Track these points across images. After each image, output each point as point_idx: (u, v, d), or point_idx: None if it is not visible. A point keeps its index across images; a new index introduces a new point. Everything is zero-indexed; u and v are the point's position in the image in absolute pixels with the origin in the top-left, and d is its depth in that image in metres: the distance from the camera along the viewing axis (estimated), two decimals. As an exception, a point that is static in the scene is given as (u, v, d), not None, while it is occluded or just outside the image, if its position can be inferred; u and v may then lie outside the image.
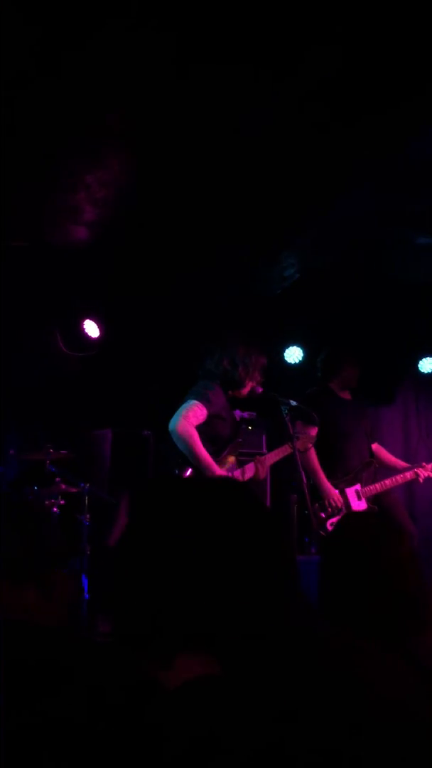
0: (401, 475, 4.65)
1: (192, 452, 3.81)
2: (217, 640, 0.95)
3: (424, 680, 1.07)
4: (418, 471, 4.66)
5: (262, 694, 0.90)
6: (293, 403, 3.81)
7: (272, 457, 4.23)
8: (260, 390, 4.11)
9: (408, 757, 0.89)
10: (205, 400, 3.90)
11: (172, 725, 0.86)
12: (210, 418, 3.93)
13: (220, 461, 3.99)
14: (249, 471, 4.16)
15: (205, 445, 3.87)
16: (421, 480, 4.68)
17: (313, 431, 4.32)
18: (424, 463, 4.73)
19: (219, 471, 3.91)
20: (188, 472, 3.90)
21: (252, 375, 4.13)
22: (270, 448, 5.42)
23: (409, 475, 4.67)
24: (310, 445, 4.30)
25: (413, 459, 5.27)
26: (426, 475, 4.67)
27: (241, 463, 4.21)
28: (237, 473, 4.13)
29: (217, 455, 3.98)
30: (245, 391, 4.14)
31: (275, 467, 5.14)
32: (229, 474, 4.04)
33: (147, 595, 0.97)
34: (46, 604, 1.35)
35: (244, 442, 4.38)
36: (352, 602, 1.52)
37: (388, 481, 4.62)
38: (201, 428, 3.90)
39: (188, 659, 0.94)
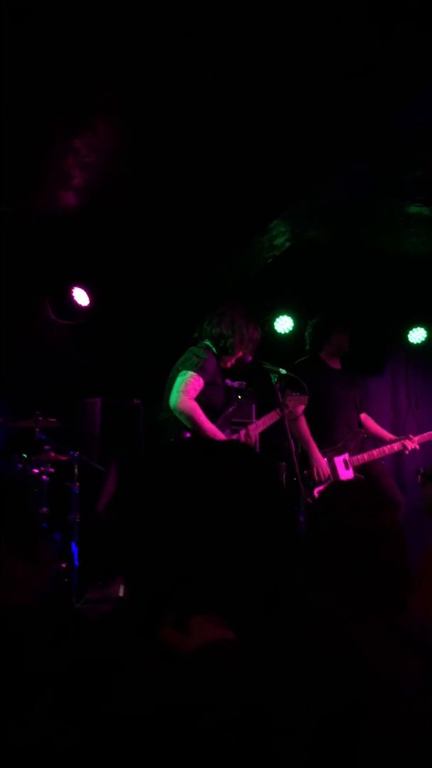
0: (388, 446, 4.69)
1: (197, 425, 3.81)
2: (229, 603, 0.95)
3: (408, 646, 1.08)
4: (405, 443, 4.69)
5: (274, 658, 0.91)
6: (282, 371, 3.81)
7: (260, 426, 4.24)
8: (250, 358, 4.11)
9: (399, 721, 0.91)
10: (199, 369, 3.89)
11: (200, 687, 0.86)
12: (205, 386, 3.92)
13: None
14: (260, 424, 4.21)
15: None
16: (407, 452, 4.72)
17: (303, 400, 4.33)
18: (411, 435, 4.76)
19: (223, 437, 3.92)
20: None
21: (245, 345, 4.13)
22: (259, 416, 5.45)
23: (396, 446, 4.70)
24: (300, 413, 4.31)
25: (402, 430, 5.30)
26: (412, 446, 4.71)
27: (233, 432, 4.23)
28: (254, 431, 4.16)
29: (212, 423, 3.98)
30: (233, 360, 4.14)
31: (264, 435, 5.16)
32: None
33: (160, 557, 0.97)
34: (32, 573, 1.35)
35: (237, 410, 4.39)
36: (336, 570, 1.53)
37: (375, 452, 4.65)
38: (197, 398, 3.90)
39: (202, 623, 0.94)
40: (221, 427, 4.04)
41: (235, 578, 0.95)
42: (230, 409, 4.17)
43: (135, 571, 1.00)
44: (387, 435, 4.87)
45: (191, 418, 3.80)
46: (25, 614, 1.14)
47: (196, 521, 0.97)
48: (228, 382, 5.57)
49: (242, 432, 4.24)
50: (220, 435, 3.88)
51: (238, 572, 0.96)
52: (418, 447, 4.73)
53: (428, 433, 4.85)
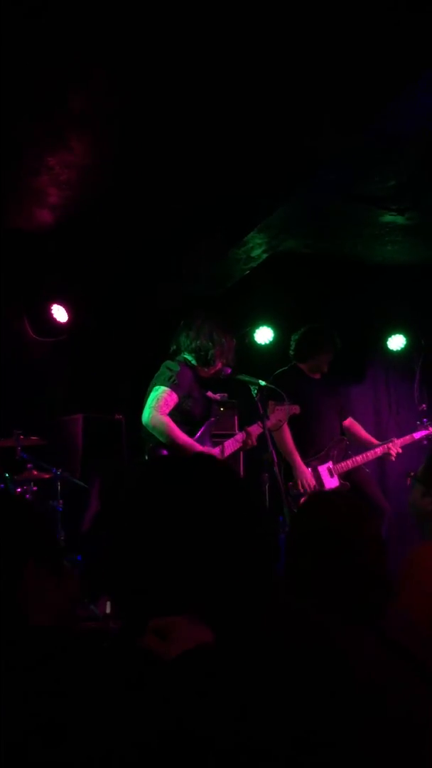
0: (372, 451, 4.70)
1: (171, 440, 3.78)
2: (208, 607, 0.98)
3: (389, 652, 1.09)
4: (389, 446, 4.71)
5: (253, 664, 0.92)
6: (262, 383, 3.81)
7: (255, 430, 4.20)
8: (228, 371, 4.11)
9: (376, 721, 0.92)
10: (172, 384, 3.87)
11: (177, 693, 0.88)
12: (181, 399, 3.91)
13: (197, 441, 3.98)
14: (228, 447, 4.17)
15: (180, 428, 3.85)
16: (393, 456, 4.73)
17: (284, 410, 4.34)
18: (393, 439, 4.78)
19: (202, 450, 3.90)
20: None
21: (225, 355, 4.12)
22: (241, 428, 5.45)
23: (379, 450, 4.72)
24: (283, 424, 4.32)
25: (384, 435, 5.32)
26: (396, 450, 4.73)
27: (215, 444, 4.21)
28: (216, 451, 4.13)
29: (192, 435, 3.96)
30: (213, 370, 4.13)
31: (248, 452, 5.16)
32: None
33: (143, 566, 1.02)
34: (59, 593, 1.35)
35: (218, 421, 4.38)
36: (316, 577, 1.54)
37: (359, 458, 4.66)
38: (173, 412, 3.87)
39: (182, 627, 0.96)
40: (202, 440, 4.03)
41: (211, 582, 0.98)
42: (211, 420, 4.16)
43: (125, 584, 1.03)
44: (371, 440, 4.88)
45: (164, 433, 3.78)
46: (49, 636, 1.15)
47: (175, 532, 1.01)
48: (209, 394, 5.58)
49: (242, 433, 4.23)
50: (197, 447, 3.87)
51: (214, 576, 0.99)
52: (401, 450, 4.75)
53: (408, 436, 4.88)
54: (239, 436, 4.20)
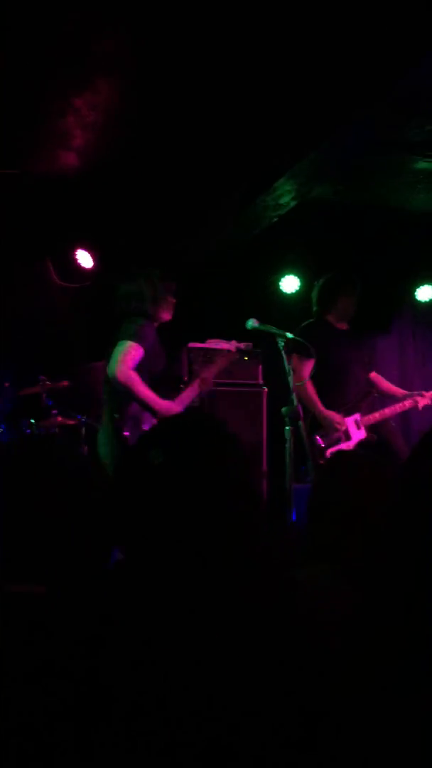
0: (400, 404, 4.65)
1: (137, 395, 3.73)
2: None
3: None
4: (417, 399, 4.66)
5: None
6: (289, 335, 3.76)
7: (185, 400, 4.16)
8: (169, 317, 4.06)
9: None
10: (138, 339, 3.77)
11: None
12: (146, 354, 3.84)
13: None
14: (186, 398, 4.10)
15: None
16: (420, 407, 4.68)
17: (310, 364, 4.29)
18: (423, 392, 4.73)
19: (167, 405, 3.85)
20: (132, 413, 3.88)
21: (167, 286, 4.02)
22: (266, 379, 5.43)
23: (408, 403, 4.67)
24: (307, 378, 4.29)
25: (409, 388, 5.26)
26: (425, 402, 4.68)
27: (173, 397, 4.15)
28: (185, 397, 4.09)
29: (156, 389, 3.93)
30: (170, 308, 4.04)
31: (273, 401, 5.15)
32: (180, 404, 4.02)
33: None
34: None
35: (174, 372, 4.33)
36: (339, 544, 1.55)
37: (387, 410, 4.62)
38: (138, 367, 3.83)
39: None
40: (165, 394, 4.01)
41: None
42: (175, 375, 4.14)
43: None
44: (399, 391, 4.82)
45: (131, 388, 3.70)
46: None
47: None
48: (234, 343, 5.54)
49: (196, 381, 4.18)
50: (160, 403, 3.81)
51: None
52: (430, 402, 4.70)
53: None
54: (195, 385, 4.15)
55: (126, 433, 3.92)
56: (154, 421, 3.87)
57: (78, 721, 0.85)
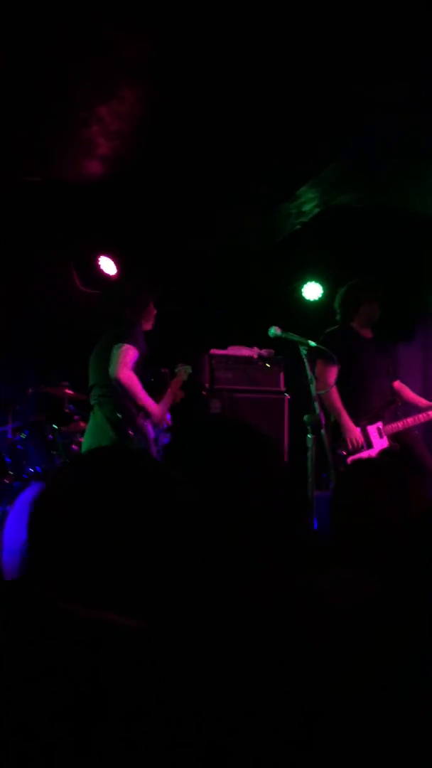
0: (423, 414, 4.62)
1: (136, 396, 3.91)
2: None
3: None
4: None
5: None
6: (312, 343, 3.75)
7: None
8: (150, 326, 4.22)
9: None
10: (133, 341, 3.95)
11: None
12: (139, 356, 3.98)
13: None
14: (168, 400, 4.26)
15: None
16: None
17: (334, 371, 4.28)
18: None
19: (159, 408, 4.07)
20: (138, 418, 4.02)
21: (151, 291, 4.23)
22: (287, 386, 5.42)
23: (431, 413, 4.64)
24: (332, 383, 4.30)
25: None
26: None
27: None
28: (166, 403, 4.21)
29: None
30: (152, 317, 4.22)
31: (294, 408, 5.14)
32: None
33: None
34: None
35: (154, 380, 4.47)
36: (362, 550, 1.56)
37: (410, 420, 4.59)
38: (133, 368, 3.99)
39: None
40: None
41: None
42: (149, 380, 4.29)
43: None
44: (422, 401, 4.80)
45: (131, 390, 3.89)
46: None
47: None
48: (256, 350, 5.55)
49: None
50: (154, 406, 4.01)
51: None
52: None
53: None
54: (168, 396, 4.30)
55: (130, 432, 4.00)
56: (148, 422, 4.00)
57: (78, 721, 0.84)
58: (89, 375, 4.24)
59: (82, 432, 4.68)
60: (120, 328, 4.04)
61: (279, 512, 1.06)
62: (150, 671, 0.87)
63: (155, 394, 4.17)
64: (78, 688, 0.86)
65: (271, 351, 5.56)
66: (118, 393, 3.95)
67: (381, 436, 4.49)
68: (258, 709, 0.86)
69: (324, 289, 5.86)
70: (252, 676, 0.88)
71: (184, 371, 4.48)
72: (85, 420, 4.74)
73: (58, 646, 0.91)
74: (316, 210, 4.85)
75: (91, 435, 4.12)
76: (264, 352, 5.58)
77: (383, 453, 4.44)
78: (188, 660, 0.89)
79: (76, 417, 4.72)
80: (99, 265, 5.46)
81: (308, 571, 1.44)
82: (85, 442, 4.23)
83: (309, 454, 3.66)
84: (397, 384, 4.84)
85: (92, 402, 4.16)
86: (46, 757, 0.83)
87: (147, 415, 4.01)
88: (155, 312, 4.26)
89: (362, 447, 4.41)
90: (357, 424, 4.46)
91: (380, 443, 4.47)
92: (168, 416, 4.23)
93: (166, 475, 1.06)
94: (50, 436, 4.52)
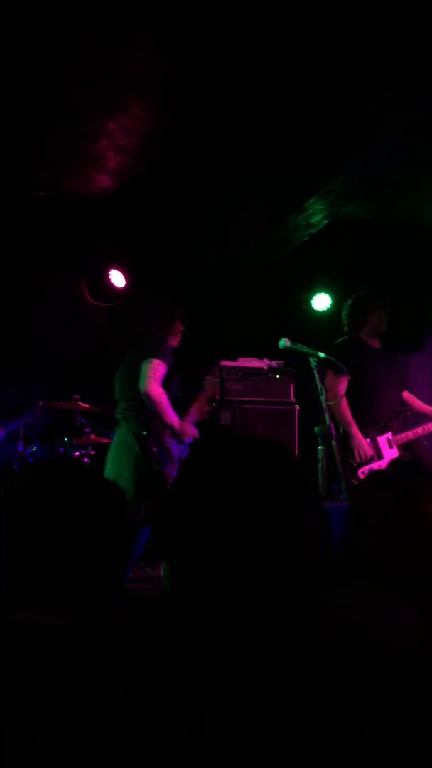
0: (432, 424, 4.61)
1: (165, 412, 3.94)
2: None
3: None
4: None
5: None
6: (321, 354, 3.76)
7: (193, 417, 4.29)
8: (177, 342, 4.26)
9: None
10: (162, 357, 3.97)
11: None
12: (168, 372, 4.01)
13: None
14: (193, 416, 4.30)
15: None
16: None
17: (344, 382, 4.27)
18: None
19: (186, 426, 4.10)
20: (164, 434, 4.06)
21: (178, 312, 4.27)
22: (297, 397, 5.42)
23: (442, 423, 4.62)
24: (341, 394, 4.29)
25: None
26: None
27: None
28: (191, 419, 4.25)
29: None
30: (179, 334, 4.25)
31: (304, 420, 5.14)
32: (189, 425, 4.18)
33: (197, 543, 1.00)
34: None
35: (182, 395, 4.50)
36: (373, 557, 1.55)
37: (419, 429, 4.58)
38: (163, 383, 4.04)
39: None
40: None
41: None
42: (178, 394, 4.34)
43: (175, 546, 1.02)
44: (431, 411, 4.79)
45: (161, 405, 3.92)
46: None
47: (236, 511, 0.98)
48: (266, 361, 5.56)
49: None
50: (179, 424, 4.03)
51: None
52: None
53: None
54: (195, 410, 4.34)
55: (154, 449, 3.99)
56: (172, 439, 4.01)
57: (78, 722, 0.85)
58: (115, 389, 4.24)
59: (93, 445, 4.70)
60: (148, 344, 4.05)
61: (311, 528, 1.04)
62: (150, 671, 0.87)
63: (181, 409, 4.20)
64: (77, 688, 0.87)
65: (281, 362, 5.56)
66: (145, 408, 3.96)
67: (391, 447, 4.48)
68: (260, 708, 0.85)
69: (333, 299, 5.87)
70: (255, 677, 0.88)
71: (212, 385, 4.47)
72: (96, 433, 4.76)
73: (58, 647, 0.94)
74: (325, 222, 4.87)
75: (115, 449, 4.13)
76: (274, 363, 5.58)
77: (393, 463, 4.43)
78: (188, 659, 0.89)
79: (86, 430, 4.73)
80: (109, 279, 5.49)
81: (324, 585, 1.43)
82: (110, 456, 4.22)
83: (320, 465, 3.66)
84: (406, 394, 4.83)
85: (117, 416, 4.16)
86: (46, 756, 0.84)
87: (173, 433, 4.03)
88: (182, 328, 4.26)
89: (372, 458, 4.40)
90: (366, 434, 4.45)
91: (390, 453, 4.46)
92: (195, 430, 4.23)
93: (96, 484, 1.15)
94: (61, 449, 4.54)
